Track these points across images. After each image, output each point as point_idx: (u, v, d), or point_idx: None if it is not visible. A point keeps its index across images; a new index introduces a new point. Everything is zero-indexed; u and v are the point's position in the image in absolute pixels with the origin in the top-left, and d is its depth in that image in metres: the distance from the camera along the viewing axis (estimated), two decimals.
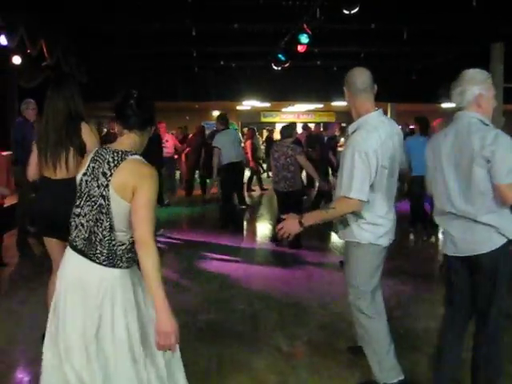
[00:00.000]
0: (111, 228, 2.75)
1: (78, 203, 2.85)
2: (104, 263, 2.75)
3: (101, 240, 2.75)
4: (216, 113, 29.80)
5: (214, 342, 4.86)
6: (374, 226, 3.81)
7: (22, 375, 4.29)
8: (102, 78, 16.77)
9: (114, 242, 2.77)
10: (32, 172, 4.55)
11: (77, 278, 2.77)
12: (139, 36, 13.68)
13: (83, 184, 2.83)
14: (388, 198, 3.87)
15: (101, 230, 2.75)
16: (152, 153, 4.01)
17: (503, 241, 3.38)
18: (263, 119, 30.60)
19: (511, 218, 3.45)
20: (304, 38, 11.72)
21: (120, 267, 2.80)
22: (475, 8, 10.21)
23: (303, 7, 10.94)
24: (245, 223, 11.31)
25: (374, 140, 3.71)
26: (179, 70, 18.62)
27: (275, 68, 15.01)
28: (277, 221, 9.07)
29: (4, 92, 12.05)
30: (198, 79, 18.86)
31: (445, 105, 22.78)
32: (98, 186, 2.76)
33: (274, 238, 8.77)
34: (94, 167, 2.80)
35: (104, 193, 2.73)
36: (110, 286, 2.76)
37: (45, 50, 10.55)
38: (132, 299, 2.82)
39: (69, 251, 2.88)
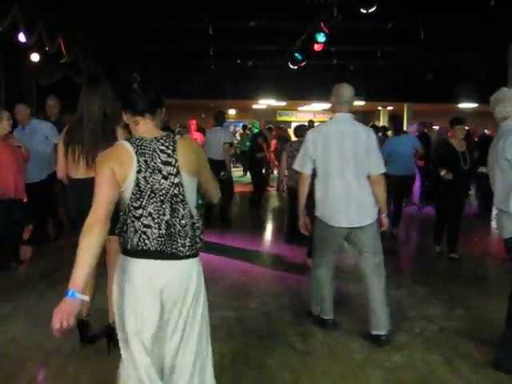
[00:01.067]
0: (190, 213, 2.72)
1: (137, 204, 2.65)
2: (188, 254, 2.71)
3: (179, 231, 2.67)
4: (232, 111, 29.90)
5: (227, 339, 4.87)
6: None
7: (38, 369, 4.33)
8: (117, 76, 16.86)
9: (194, 226, 2.74)
10: (62, 172, 4.46)
11: (154, 282, 2.69)
12: (156, 34, 13.74)
13: (141, 181, 2.62)
14: None
15: (178, 219, 2.67)
16: None
17: None
18: (279, 118, 30.54)
19: None
20: (321, 37, 11.73)
21: (199, 252, 2.81)
22: (493, 9, 10.14)
23: (320, 6, 10.93)
24: (255, 222, 11.33)
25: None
26: (196, 68, 18.69)
27: (291, 67, 15.00)
28: (289, 218, 9.11)
29: (22, 89, 12.16)
30: (215, 77, 18.91)
31: (462, 105, 22.65)
32: (165, 177, 2.64)
33: (288, 236, 8.83)
34: (146, 161, 2.63)
35: (177, 180, 2.65)
36: (197, 276, 2.81)
37: (63, 47, 10.64)
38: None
39: (129, 261, 2.70)
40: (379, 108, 28.04)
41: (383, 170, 4.83)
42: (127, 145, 2.66)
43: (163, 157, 2.65)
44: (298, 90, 19.50)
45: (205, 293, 2.92)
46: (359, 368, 4.38)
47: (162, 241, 2.65)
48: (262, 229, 11.04)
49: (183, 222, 2.68)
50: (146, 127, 2.74)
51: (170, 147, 2.67)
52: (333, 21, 10.98)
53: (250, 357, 4.54)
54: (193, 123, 12.12)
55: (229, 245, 8.86)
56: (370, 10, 8.99)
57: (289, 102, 25.86)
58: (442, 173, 7.70)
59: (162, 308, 2.74)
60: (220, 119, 10.41)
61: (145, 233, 2.64)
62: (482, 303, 6.00)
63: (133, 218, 2.66)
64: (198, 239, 2.76)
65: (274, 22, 12.63)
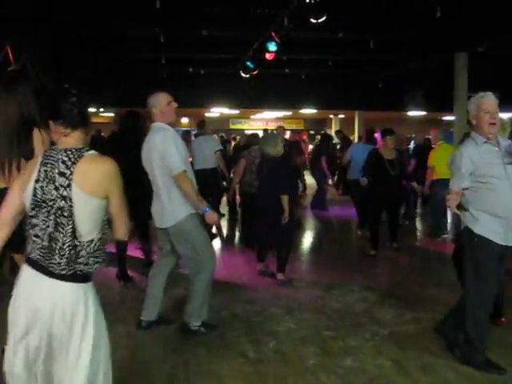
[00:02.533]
0: (75, 234, 2.57)
1: (33, 214, 2.61)
2: (63, 274, 2.57)
3: (60, 249, 2.56)
4: (185, 119, 29.79)
5: (179, 348, 4.85)
6: None
7: None
8: (70, 85, 16.63)
9: (76, 249, 2.58)
10: None
11: (30, 298, 2.60)
12: (107, 42, 13.62)
13: (38, 191, 2.60)
14: None
15: (61, 235, 2.56)
16: None
17: None
18: (232, 126, 30.65)
19: None
20: (272, 46, 11.82)
21: (79, 280, 2.63)
22: (439, 19, 10.41)
23: (271, 15, 11.02)
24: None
25: None
26: (147, 77, 18.58)
27: (243, 75, 15.07)
28: (245, 223, 9.22)
29: None
30: (167, 86, 18.79)
31: (410, 113, 23.14)
32: (56, 188, 2.57)
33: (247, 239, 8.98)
34: (46, 171, 2.60)
35: (65, 193, 2.56)
36: (85, 304, 2.63)
37: (10, 55, 10.44)
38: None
39: (25, 269, 2.66)
40: (331, 116, 28.40)
41: None
42: (39, 156, 2.71)
43: (62, 167, 2.59)
44: (251, 98, 19.58)
45: (98, 325, 2.69)
46: (311, 374, 4.41)
47: (43, 253, 2.58)
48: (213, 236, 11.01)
49: (65, 239, 2.56)
50: (71, 140, 2.70)
51: (72, 159, 2.60)
52: (284, 30, 11.08)
53: (202, 366, 4.52)
54: None
55: None
56: (319, 20, 9.08)
57: (241, 111, 25.97)
58: (360, 179, 9.07)
59: (34, 324, 2.60)
60: (204, 128, 10.38)
61: (34, 242, 2.62)
62: (431, 306, 6.11)
63: (29, 227, 2.64)
64: (79, 264, 2.60)
65: (226, 31, 12.67)
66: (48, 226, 2.57)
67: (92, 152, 2.66)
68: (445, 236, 10.51)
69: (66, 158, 2.60)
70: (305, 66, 17.55)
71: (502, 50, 13.51)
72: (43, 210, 2.59)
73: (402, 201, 9.78)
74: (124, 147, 6.41)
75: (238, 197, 10.59)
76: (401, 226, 9.74)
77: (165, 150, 4.75)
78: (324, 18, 9.07)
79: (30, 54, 11.53)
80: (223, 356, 4.72)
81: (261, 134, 12.01)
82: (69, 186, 2.56)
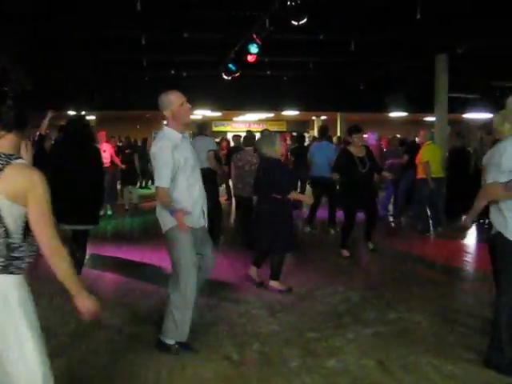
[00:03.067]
0: (7, 233, 2.61)
1: None
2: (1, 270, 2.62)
3: None
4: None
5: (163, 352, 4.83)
6: None
7: None
8: (52, 87, 16.55)
9: (11, 247, 2.63)
10: None
11: None
12: (88, 44, 13.54)
13: None
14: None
15: None
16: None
17: None
18: (215, 128, 30.58)
19: None
20: (253, 48, 11.81)
21: (15, 273, 2.67)
22: (420, 20, 10.47)
23: (253, 17, 11.02)
24: None
25: None
26: (130, 79, 18.52)
27: (226, 77, 15.05)
28: (242, 226, 9.27)
29: None
30: (149, 88, 18.75)
31: (392, 114, 23.27)
32: None
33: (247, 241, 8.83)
34: None
35: None
36: (7, 294, 2.64)
37: None
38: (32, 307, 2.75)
39: None
40: (313, 118, 28.47)
41: None
42: None
43: None
44: (233, 100, 19.56)
45: (30, 316, 2.72)
46: (295, 375, 4.42)
47: None
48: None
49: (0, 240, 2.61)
50: (3, 142, 2.70)
51: (0, 165, 2.61)
52: (265, 32, 11.08)
53: (186, 369, 4.51)
54: (102, 134, 12.15)
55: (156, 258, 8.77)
56: (300, 22, 9.10)
57: (224, 113, 25.95)
58: (333, 176, 9.14)
59: None
60: (203, 129, 10.40)
61: None
62: (413, 306, 6.16)
63: None
64: (14, 259, 2.65)
65: (208, 33, 12.66)
66: None
67: (20, 161, 2.68)
68: (429, 234, 10.65)
69: None
70: (287, 68, 17.57)
71: (481, 51, 13.63)
72: None
73: (375, 197, 9.80)
74: (71, 150, 6.67)
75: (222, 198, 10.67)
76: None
77: (155, 162, 4.64)
78: (305, 19, 9.08)
79: (10, 55, 11.46)
80: (207, 359, 4.72)
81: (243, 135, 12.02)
82: None
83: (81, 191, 6.51)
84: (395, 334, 5.34)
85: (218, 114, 25.49)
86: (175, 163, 4.57)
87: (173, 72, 17.61)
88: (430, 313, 5.93)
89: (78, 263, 6.80)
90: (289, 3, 8.98)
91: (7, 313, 2.62)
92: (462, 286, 7.45)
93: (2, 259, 2.62)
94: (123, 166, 13.58)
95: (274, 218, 6.74)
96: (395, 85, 18.53)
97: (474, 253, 9.37)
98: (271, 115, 28.27)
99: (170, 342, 4.78)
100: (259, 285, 6.98)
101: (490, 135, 11.54)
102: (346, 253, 8.66)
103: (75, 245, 6.88)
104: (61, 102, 18.59)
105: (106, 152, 12.25)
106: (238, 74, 14.40)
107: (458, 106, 18.52)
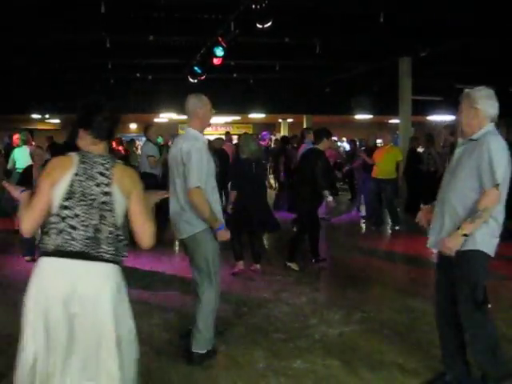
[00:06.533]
0: (116, 224, 2.88)
1: (66, 204, 2.82)
2: (110, 260, 2.85)
3: (106, 237, 2.85)
4: (133, 125, 29.53)
5: None
6: None
7: None
8: (15, 91, 16.36)
9: (119, 238, 2.90)
10: None
11: (72, 286, 2.76)
12: (52, 48, 13.40)
13: (76, 183, 2.84)
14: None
15: (106, 227, 2.85)
16: None
17: None
18: (181, 132, 30.45)
19: None
20: (219, 51, 11.83)
21: (120, 263, 2.94)
22: (383, 24, 10.62)
23: (218, 20, 11.04)
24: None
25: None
26: (94, 82, 18.34)
27: (191, 80, 15.03)
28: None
29: None
30: (114, 91, 18.63)
31: (358, 116, 23.50)
32: (98, 185, 2.85)
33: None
34: (85, 168, 2.87)
35: (107, 189, 2.85)
36: (118, 281, 2.89)
37: None
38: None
39: (52, 262, 2.82)
40: (279, 120, 28.58)
41: None
42: (73, 154, 2.95)
43: (101, 169, 2.89)
44: None
45: (127, 303, 2.97)
46: (262, 377, 4.43)
47: (87, 242, 2.81)
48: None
49: (110, 229, 2.86)
50: (99, 149, 2.98)
51: (110, 164, 2.92)
52: (230, 35, 11.11)
53: (153, 373, 4.49)
54: (15, 137, 11.91)
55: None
56: (265, 25, 9.14)
57: None
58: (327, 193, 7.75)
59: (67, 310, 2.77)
60: (148, 133, 10.43)
61: (70, 233, 2.80)
62: (378, 306, 6.23)
63: (57, 219, 2.82)
64: (121, 251, 2.92)
65: (173, 36, 12.63)
66: (91, 218, 2.83)
67: (120, 161, 3.04)
68: (396, 227, 10.85)
69: (103, 162, 2.92)
70: (253, 71, 17.62)
71: (443, 54, 13.86)
72: (81, 203, 2.83)
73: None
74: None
75: None
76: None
77: (186, 161, 4.49)
78: (270, 23, 9.13)
79: None
80: (174, 362, 4.70)
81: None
82: (109, 184, 2.87)
83: None
84: (361, 333, 5.39)
85: (183, 117, 25.40)
86: (208, 166, 4.59)
87: (138, 75, 17.55)
88: (395, 312, 6.01)
89: None
90: (254, 6, 9.02)
91: (121, 299, 2.90)
92: (426, 285, 7.52)
93: (112, 249, 2.87)
94: None
95: (260, 205, 7.34)
96: (360, 87, 18.74)
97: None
98: (238, 118, 28.31)
99: (203, 351, 4.68)
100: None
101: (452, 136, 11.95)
102: (321, 262, 8.29)
103: None
104: (25, 106, 18.41)
105: None
106: (203, 76, 14.41)
107: (421, 108, 18.81)
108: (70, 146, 6.45)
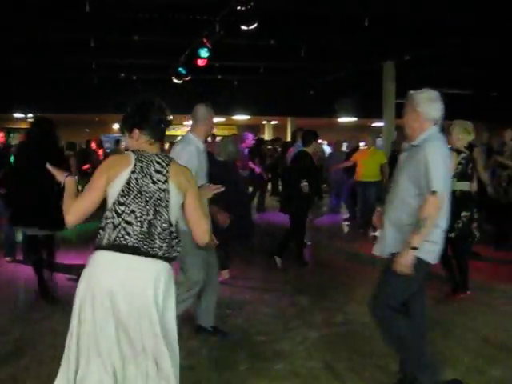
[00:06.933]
0: (170, 220, 2.95)
1: (122, 201, 2.90)
2: (163, 256, 2.91)
3: (160, 233, 2.91)
4: (116, 125, 29.36)
5: None
6: None
7: None
8: None
9: (172, 235, 2.96)
10: None
11: (125, 279, 2.83)
12: (36, 47, 13.30)
13: (133, 181, 2.92)
14: None
15: (160, 222, 2.92)
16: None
17: None
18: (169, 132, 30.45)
19: None
20: (204, 52, 11.83)
21: (171, 261, 3.00)
22: (367, 28, 10.68)
23: (203, 22, 11.03)
24: None
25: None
26: (78, 82, 18.24)
27: (176, 81, 15.00)
28: None
29: None
30: (98, 91, 18.53)
31: (342, 119, 23.58)
32: (154, 182, 2.94)
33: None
34: (141, 166, 2.95)
35: (164, 186, 2.94)
36: (167, 278, 2.93)
37: None
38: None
39: (105, 255, 2.89)
40: (264, 122, 28.60)
41: None
42: (130, 153, 3.04)
43: (157, 167, 2.98)
44: (183, 104, 19.32)
45: (174, 302, 3.04)
46: (244, 379, 4.43)
47: (141, 237, 2.87)
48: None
49: (164, 225, 2.93)
50: (154, 148, 3.07)
51: (165, 162, 3.02)
52: (215, 37, 11.10)
53: None
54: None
55: None
56: (250, 27, 9.15)
57: (174, 117, 25.72)
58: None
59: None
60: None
61: (125, 229, 2.86)
62: (360, 308, 6.22)
63: (112, 214, 2.89)
64: (174, 247, 2.98)
65: (158, 37, 12.60)
66: (147, 214, 2.90)
67: (174, 159, 3.13)
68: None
69: (159, 160, 3.01)
70: (237, 73, 17.62)
71: (427, 59, 13.97)
72: (137, 200, 2.91)
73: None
74: (34, 155, 6.13)
75: None
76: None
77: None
78: (255, 25, 9.14)
79: None
80: None
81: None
82: (166, 181, 2.96)
83: (43, 194, 6.15)
84: (342, 336, 5.41)
85: (168, 117, 25.40)
86: (197, 169, 4.77)
87: (123, 75, 17.46)
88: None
89: (48, 268, 6.69)
90: (239, 8, 9.02)
91: (171, 294, 2.98)
92: None
93: (165, 245, 2.92)
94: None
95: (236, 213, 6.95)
96: (344, 90, 18.81)
97: None
98: (222, 119, 28.29)
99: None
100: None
101: None
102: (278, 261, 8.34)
103: (44, 250, 6.68)
104: (8, 105, 18.24)
105: None
106: (188, 77, 14.38)
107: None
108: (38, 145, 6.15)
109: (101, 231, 2.91)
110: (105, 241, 2.88)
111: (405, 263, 3.67)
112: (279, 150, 15.90)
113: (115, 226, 2.87)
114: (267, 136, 26.82)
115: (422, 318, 4.15)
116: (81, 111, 19.96)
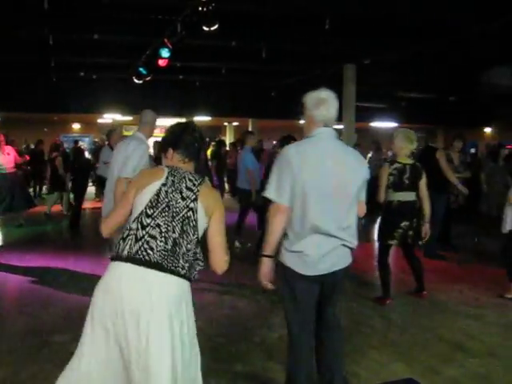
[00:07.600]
0: (197, 241, 2.93)
1: (150, 212, 2.89)
2: (184, 276, 2.86)
3: (184, 253, 2.87)
4: (76, 125, 29.01)
5: None
6: None
7: None
8: None
9: (196, 256, 2.96)
10: None
11: (143, 295, 2.74)
12: None
13: (162, 193, 2.92)
14: None
15: (186, 242, 2.88)
16: None
17: None
18: (125, 133, 30.09)
19: None
20: (165, 52, 11.74)
21: (191, 281, 2.96)
22: (328, 31, 10.75)
23: (165, 22, 10.96)
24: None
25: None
26: (37, 80, 17.94)
27: (136, 81, 14.87)
28: None
29: None
30: (57, 90, 18.25)
31: (302, 121, 23.68)
32: (183, 198, 2.93)
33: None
34: (173, 181, 2.97)
35: (192, 205, 2.92)
36: (187, 298, 2.90)
37: None
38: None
39: (122, 266, 2.82)
40: (225, 124, 28.59)
41: None
42: (163, 167, 3.10)
43: (189, 184, 2.98)
44: (144, 104, 19.11)
45: (192, 320, 3.00)
46: (203, 381, 4.39)
47: (164, 255, 2.82)
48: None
49: (189, 246, 2.90)
50: (188, 166, 3.13)
51: (198, 181, 3.02)
52: (177, 37, 11.04)
53: None
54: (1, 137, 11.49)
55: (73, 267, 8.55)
56: (212, 28, 9.13)
57: (135, 117, 25.55)
58: None
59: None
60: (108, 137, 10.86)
61: (148, 242, 2.82)
62: None
63: (137, 226, 2.87)
64: (194, 269, 2.97)
65: (119, 36, 12.46)
66: (173, 231, 2.87)
67: (207, 180, 3.11)
68: None
69: (192, 178, 3.02)
70: (199, 73, 17.57)
71: (387, 62, 14.16)
72: (164, 214, 2.89)
73: None
74: None
75: None
76: None
77: (131, 158, 5.27)
78: (216, 26, 9.12)
79: None
80: None
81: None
82: (195, 200, 2.94)
83: None
84: None
85: (128, 118, 25.14)
86: (146, 166, 5.25)
87: (82, 74, 17.23)
88: None
89: None
90: (201, 9, 8.99)
91: (189, 313, 2.93)
92: (371, 289, 7.60)
93: (188, 265, 2.89)
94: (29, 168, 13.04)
95: None
96: (305, 93, 18.90)
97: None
98: (183, 120, 28.17)
99: None
100: None
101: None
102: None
103: None
104: None
105: (10, 155, 11.40)
106: (149, 77, 14.28)
107: (364, 114, 19.12)
108: None
109: (121, 241, 2.88)
110: (125, 253, 2.83)
111: (261, 274, 3.86)
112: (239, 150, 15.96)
113: (138, 239, 2.84)
114: (228, 138, 26.84)
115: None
116: (38, 110, 19.60)
